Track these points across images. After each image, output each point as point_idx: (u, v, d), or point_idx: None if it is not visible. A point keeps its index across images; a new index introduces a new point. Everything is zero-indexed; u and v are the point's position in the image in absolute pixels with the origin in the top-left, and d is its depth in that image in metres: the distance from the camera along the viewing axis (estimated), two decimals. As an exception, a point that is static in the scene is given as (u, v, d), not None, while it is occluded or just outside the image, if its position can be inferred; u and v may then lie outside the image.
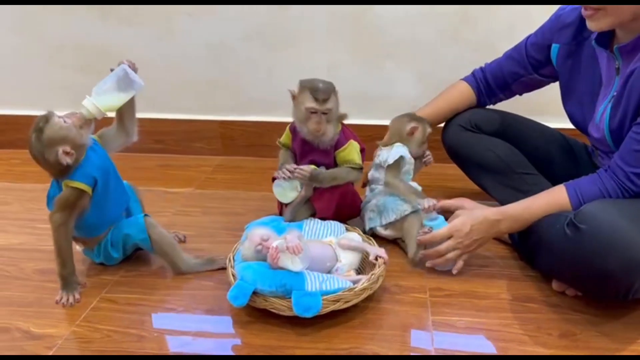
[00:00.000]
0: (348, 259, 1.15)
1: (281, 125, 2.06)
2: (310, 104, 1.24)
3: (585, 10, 1.10)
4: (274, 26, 1.81)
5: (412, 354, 0.98)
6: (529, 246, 1.23)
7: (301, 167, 1.28)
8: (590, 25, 1.11)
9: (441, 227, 1.21)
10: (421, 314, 1.08)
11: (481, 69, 1.48)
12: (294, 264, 1.04)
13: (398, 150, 1.33)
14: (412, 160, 1.36)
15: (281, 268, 1.05)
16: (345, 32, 1.80)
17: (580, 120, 1.28)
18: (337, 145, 1.31)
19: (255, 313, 1.07)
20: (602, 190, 1.10)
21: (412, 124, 1.36)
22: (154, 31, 1.86)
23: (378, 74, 1.82)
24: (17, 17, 1.90)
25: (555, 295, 1.13)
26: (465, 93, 1.47)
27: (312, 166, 1.30)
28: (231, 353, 0.99)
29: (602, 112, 1.19)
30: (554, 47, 1.32)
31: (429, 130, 1.39)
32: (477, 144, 1.42)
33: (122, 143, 1.23)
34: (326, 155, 1.32)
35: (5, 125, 2.01)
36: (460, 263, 1.20)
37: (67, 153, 1.09)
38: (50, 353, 0.98)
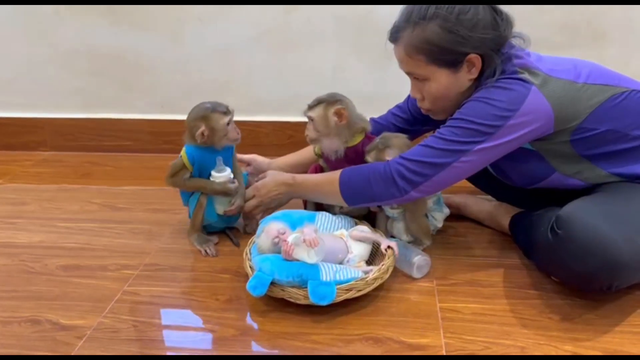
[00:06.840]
0: (359, 251, 1.21)
1: (287, 125, 2.11)
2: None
3: (422, 110, 1.26)
4: (281, 30, 1.87)
5: (422, 339, 1.04)
6: (523, 241, 1.29)
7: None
8: (434, 118, 1.27)
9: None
10: (429, 302, 1.14)
11: None
12: (310, 257, 1.10)
13: None
14: None
15: (295, 260, 1.11)
16: (350, 35, 1.86)
17: None
18: (361, 156, 1.32)
19: (272, 302, 1.13)
20: (369, 174, 1.18)
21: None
22: (165, 35, 1.92)
23: (382, 74, 1.88)
24: (31, 25, 1.95)
25: (553, 283, 1.19)
26: None
27: None
28: (251, 339, 1.05)
29: None
30: None
31: None
32: None
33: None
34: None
35: (20, 127, 2.07)
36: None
37: (202, 134, 1.29)
38: (81, 342, 1.04)
